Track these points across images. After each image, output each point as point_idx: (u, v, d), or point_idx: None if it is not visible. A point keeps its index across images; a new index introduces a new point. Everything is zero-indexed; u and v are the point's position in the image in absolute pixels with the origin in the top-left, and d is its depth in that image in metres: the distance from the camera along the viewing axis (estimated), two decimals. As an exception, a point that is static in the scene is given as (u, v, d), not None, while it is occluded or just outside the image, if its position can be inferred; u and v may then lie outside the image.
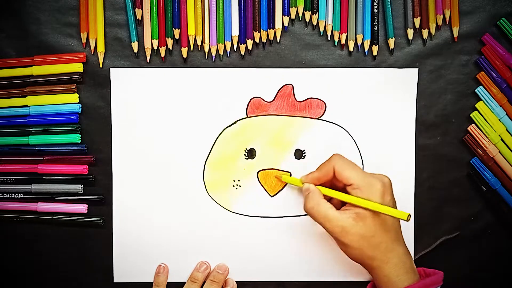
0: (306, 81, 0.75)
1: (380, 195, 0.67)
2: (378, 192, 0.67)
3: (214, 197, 0.76)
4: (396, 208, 0.68)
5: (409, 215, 0.65)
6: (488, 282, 0.77)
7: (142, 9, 0.73)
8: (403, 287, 0.66)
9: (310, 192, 0.70)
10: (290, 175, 0.75)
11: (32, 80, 0.74)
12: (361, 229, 0.66)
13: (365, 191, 0.67)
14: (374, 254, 0.66)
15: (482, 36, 0.74)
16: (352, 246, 0.67)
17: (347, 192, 0.68)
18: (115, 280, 0.76)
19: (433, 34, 0.74)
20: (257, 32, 0.74)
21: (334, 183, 0.70)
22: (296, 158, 0.75)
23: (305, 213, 0.76)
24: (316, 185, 0.71)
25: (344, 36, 0.74)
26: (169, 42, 0.74)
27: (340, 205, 0.69)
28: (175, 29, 0.74)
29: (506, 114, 0.74)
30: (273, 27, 0.74)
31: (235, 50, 0.75)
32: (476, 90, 0.75)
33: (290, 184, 0.75)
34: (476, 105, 0.75)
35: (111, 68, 0.74)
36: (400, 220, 0.67)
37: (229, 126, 0.75)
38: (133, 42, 0.74)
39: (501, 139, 0.75)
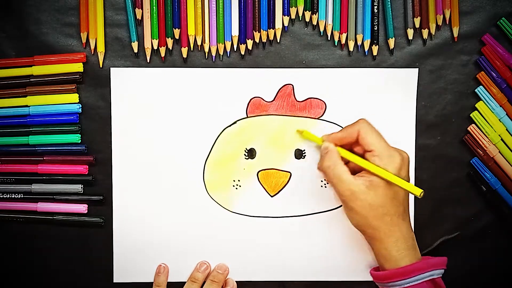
0: (306, 81, 0.75)
1: (397, 168, 0.67)
2: (396, 164, 0.67)
3: (214, 197, 0.76)
4: None
5: (423, 191, 0.65)
6: (488, 282, 0.77)
7: (142, 9, 0.73)
8: (406, 264, 0.66)
9: (328, 151, 0.70)
10: (290, 175, 0.75)
11: (32, 80, 0.74)
12: (371, 198, 0.66)
13: (384, 160, 0.67)
14: (378, 224, 0.67)
15: (482, 36, 0.74)
16: (359, 213, 0.67)
17: (365, 159, 0.68)
18: (115, 280, 0.76)
19: (433, 34, 0.74)
20: (257, 32, 0.74)
21: (354, 149, 0.71)
22: (296, 158, 0.75)
23: (305, 213, 0.76)
24: (336, 145, 0.70)
25: (344, 36, 0.74)
26: (169, 42, 0.74)
27: (354, 171, 0.69)
28: (175, 29, 0.74)
29: (506, 114, 0.74)
30: (273, 27, 0.74)
31: (235, 50, 0.75)
32: (476, 90, 0.75)
33: (293, 180, 0.75)
34: (476, 105, 0.75)
35: (111, 68, 0.74)
36: (412, 196, 0.67)
37: (229, 126, 0.75)
38: (133, 42, 0.74)
39: (501, 139, 0.75)
